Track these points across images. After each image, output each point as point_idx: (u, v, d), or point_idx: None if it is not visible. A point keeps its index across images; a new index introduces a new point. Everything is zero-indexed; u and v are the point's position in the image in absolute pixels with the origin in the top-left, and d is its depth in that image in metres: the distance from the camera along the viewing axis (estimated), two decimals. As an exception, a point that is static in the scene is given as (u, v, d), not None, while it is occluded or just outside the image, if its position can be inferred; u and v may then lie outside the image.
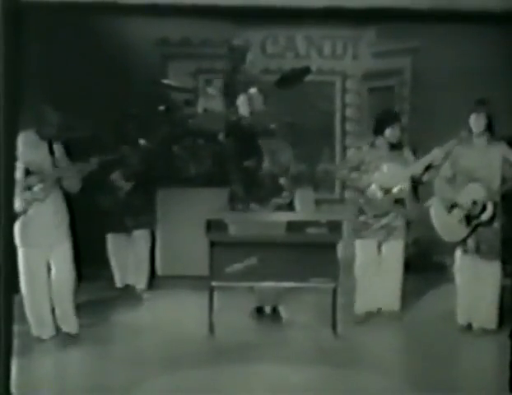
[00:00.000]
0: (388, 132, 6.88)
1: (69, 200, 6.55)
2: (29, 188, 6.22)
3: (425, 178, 6.88)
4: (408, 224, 8.06)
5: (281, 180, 7.15)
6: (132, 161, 7.58)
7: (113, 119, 7.74)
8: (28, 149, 6.23)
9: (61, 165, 6.40)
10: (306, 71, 8.34)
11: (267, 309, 6.94)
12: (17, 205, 6.12)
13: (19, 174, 6.14)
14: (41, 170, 6.29)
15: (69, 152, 6.56)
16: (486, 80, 7.64)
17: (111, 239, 7.71)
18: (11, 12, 4.60)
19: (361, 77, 8.95)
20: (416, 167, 6.81)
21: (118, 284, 7.77)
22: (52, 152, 6.39)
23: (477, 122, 6.46)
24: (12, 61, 4.61)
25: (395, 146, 6.92)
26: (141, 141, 7.67)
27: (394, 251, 6.90)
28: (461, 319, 6.61)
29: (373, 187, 6.86)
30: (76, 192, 6.52)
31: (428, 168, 6.79)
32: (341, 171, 7.23)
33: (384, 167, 6.85)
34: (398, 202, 6.90)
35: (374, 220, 6.89)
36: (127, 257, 7.70)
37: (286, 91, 7.97)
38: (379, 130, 6.91)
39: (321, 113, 8.95)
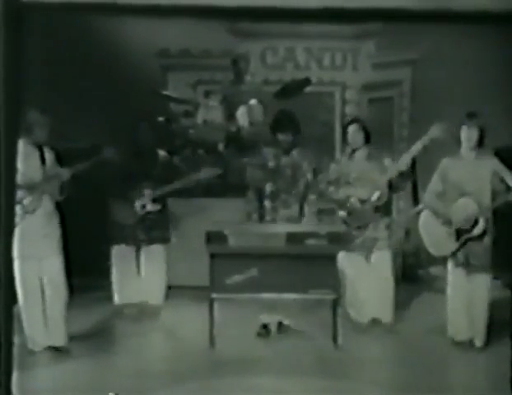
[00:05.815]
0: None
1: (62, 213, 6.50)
2: (19, 202, 6.08)
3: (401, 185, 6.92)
4: (407, 232, 8.04)
5: (320, 176, 7.06)
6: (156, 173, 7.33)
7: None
8: (19, 161, 6.15)
9: (51, 174, 6.32)
10: (306, 82, 8.37)
11: (273, 326, 6.82)
12: None
13: None
14: (31, 183, 6.22)
15: (65, 162, 6.49)
16: (484, 90, 7.67)
17: (117, 253, 7.33)
18: (11, 12, 4.59)
19: (361, 88, 8.97)
20: (390, 172, 6.81)
21: (123, 300, 7.33)
22: (44, 161, 6.32)
23: (468, 135, 6.41)
24: (12, 61, 4.60)
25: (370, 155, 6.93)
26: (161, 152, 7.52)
27: (382, 262, 6.87)
28: (451, 332, 6.56)
29: (352, 198, 6.85)
30: (60, 199, 6.43)
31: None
32: (318, 186, 7.05)
33: (362, 176, 6.84)
34: (379, 209, 6.89)
35: (357, 232, 6.87)
36: (136, 272, 7.36)
37: (286, 102, 7.97)
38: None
39: (321, 123, 8.96)
